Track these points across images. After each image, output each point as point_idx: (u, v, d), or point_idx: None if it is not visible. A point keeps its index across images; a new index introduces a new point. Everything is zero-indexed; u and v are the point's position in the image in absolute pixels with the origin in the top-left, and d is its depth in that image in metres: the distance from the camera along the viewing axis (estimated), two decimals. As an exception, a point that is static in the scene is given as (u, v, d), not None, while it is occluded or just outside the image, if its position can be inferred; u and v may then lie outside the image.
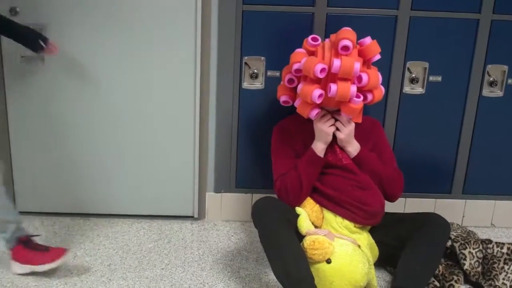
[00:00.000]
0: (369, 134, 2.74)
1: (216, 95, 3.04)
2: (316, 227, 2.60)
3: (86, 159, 3.13)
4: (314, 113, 2.58)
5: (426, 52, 2.96)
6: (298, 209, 2.62)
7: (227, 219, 3.25)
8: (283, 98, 2.74)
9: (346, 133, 2.61)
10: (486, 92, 3.03)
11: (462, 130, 3.09)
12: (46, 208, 3.22)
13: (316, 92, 2.49)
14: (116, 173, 3.13)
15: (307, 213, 2.61)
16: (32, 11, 2.90)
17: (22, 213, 3.15)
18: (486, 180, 3.19)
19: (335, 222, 2.61)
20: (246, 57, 2.95)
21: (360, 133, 2.69)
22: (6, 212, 2.65)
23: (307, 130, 2.68)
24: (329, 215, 2.63)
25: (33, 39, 2.72)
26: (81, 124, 3.08)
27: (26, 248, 2.66)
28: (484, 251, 2.73)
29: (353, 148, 2.65)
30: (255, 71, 2.97)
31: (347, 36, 2.46)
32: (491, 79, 3.01)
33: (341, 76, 2.45)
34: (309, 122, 2.65)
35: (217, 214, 3.25)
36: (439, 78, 2.99)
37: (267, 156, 2.79)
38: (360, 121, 2.65)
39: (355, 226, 2.61)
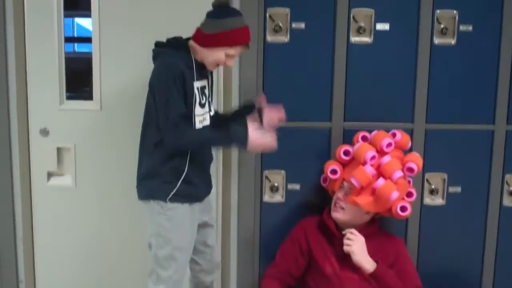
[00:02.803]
0: (388, 250, 2.74)
1: (237, 210, 3.06)
2: None
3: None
4: (330, 168, 2.76)
5: (444, 163, 3.00)
6: None
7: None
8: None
9: (358, 245, 2.60)
10: (507, 201, 3.03)
11: (486, 241, 3.05)
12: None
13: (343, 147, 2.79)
14: None
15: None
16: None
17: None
18: (514, 291, 3.12)
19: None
20: (266, 171, 3.01)
21: (379, 248, 2.69)
22: None
23: (322, 238, 2.75)
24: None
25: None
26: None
27: None
28: None
29: (370, 264, 2.61)
30: (276, 184, 3.02)
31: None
32: (510, 188, 3.02)
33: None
34: (328, 233, 2.73)
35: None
36: (459, 189, 3.01)
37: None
38: (370, 209, 2.65)
39: None
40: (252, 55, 2.89)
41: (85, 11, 2.95)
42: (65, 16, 2.97)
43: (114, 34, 2.94)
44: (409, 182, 2.76)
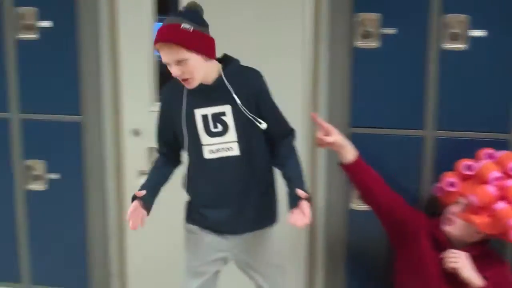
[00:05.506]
0: (492, 272, 2.63)
1: (325, 218, 3.05)
2: None
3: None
4: (448, 180, 2.68)
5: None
6: None
7: None
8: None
9: (464, 260, 2.55)
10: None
11: None
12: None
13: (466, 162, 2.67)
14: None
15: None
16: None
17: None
18: None
19: None
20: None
21: (484, 268, 2.61)
22: None
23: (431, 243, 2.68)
24: None
25: None
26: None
27: None
28: None
29: (478, 279, 2.55)
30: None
31: None
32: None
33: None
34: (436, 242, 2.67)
35: None
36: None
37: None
38: (485, 230, 2.54)
39: None
40: (342, 60, 2.86)
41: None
42: (157, 20, 3.01)
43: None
44: None
